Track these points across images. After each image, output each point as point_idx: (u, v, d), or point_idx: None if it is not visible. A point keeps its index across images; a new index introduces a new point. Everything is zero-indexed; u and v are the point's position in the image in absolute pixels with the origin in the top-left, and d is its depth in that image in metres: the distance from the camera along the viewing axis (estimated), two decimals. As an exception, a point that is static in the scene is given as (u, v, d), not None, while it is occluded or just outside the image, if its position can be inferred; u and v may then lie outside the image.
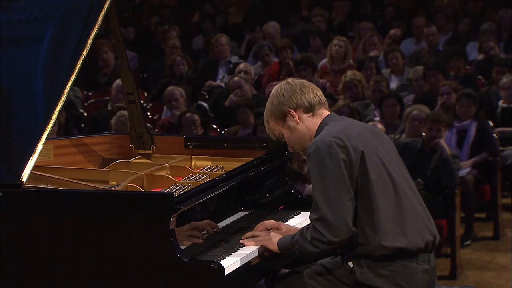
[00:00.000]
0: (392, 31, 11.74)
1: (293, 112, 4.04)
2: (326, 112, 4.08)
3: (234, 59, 11.21)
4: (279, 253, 4.05)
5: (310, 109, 4.05)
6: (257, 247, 4.03)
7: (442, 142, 7.58)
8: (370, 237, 3.85)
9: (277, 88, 4.11)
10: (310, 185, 6.78)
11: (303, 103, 4.04)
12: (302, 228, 3.94)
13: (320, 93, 4.11)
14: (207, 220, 4.09)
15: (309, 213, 3.99)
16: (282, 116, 4.06)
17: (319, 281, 4.01)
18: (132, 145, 4.97)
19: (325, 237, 3.81)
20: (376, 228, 3.84)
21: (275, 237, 4.04)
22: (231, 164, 4.60)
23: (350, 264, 3.93)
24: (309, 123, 4.05)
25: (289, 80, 4.14)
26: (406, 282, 3.87)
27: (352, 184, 3.83)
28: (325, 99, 4.13)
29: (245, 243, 4.06)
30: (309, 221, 3.94)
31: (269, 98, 4.12)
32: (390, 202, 3.87)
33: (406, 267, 3.87)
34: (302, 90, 4.06)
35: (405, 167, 4.08)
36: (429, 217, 3.99)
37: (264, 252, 4.05)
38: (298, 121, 4.04)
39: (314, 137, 4.00)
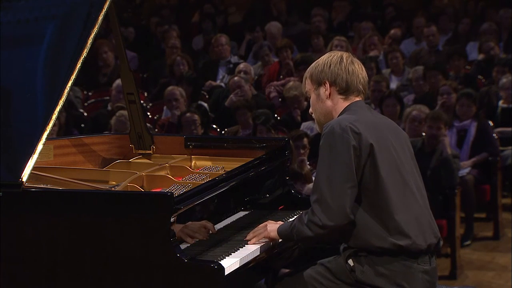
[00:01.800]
0: (392, 31, 11.75)
1: (327, 85, 4.02)
2: (356, 99, 4.05)
3: (234, 59, 11.21)
4: (281, 242, 4.07)
5: (345, 92, 4.02)
6: (257, 247, 4.03)
7: (446, 141, 7.57)
8: (373, 231, 3.84)
9: (330, 55, 4.07)
10: (310, 185, 6.79)
11: (341, 84, 4.01)
12: (302, 212, 3.95)
13: (364, 81, 4.05)
14: (204, 221, 4.09)
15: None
16: (318, 82, 4.04)
17: (320, 281, 4.01)
18: (132, 145, 4.97)
19: (320, 221, 3.81)
20: (381, 223, 3.84)
21: (275, 225, 4.06)
22: (231, 164, 4.60)
23: (350, 262, 3.93)
24: (337, 103, 4.03)
25: (346, 54, 4.08)
26: (406, 281, 3.86)
27: (357, 172, 3.83)
28: (365, 89, 4.07)
29: (249, 242, 4.06)
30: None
31: (318, 59, 4.09)
32: (398, 199, 3.87)
33: (407, 267, 3.87)
34: (348, 70, 4.01)
35: (418, 167, 4.07)
36: (433, 220, 3.99)
37: (263, 252, 4.05)
38: (329, 96, 4.03)
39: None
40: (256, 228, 4.12)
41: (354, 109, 3.99)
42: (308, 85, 4.11)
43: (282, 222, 4.20)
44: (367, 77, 4.10)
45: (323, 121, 4.05)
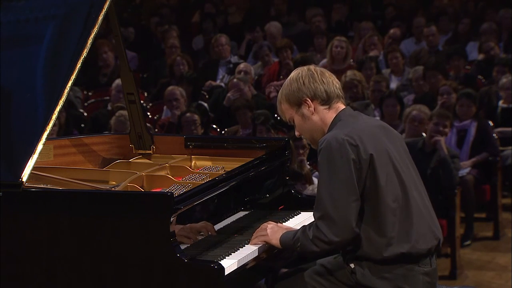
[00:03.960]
0: (392, 31, 11.74)
1: (309, 102, 3.96)
2: (342, 106, 4.00)
3: (234, 59, 11.21)
4: (281, 249, 4.04)
5: (327, 101, 3.97)
6: (256, 248, 4.03)
7: (442, 142, 7.57)
8: (374, 241, 3.83)
9: (298, 72, 4.00)
10: (310, 186, 6.79)
11: (322, 95, 3.96)
12: (305, 226, 3.91)
13: (339, 85, 4.02)
14: (203, 222, 4.09)
15: (309, 213, 3.98)
16: (297, 103, 3.98)
17: (319, 282, 4.00)
18: (132, 145, 4.97)
19: (326, 237, 3.78)
20: (381, 232, 3.82)
21: (278, 233, 4.02)
22: (231, 164, 4.60)
23: (351, 265, 3.92)
24: (323, 115, 3.97)
25: (311, 67, 4.03)
26: (407, 284, 3.85)
27: (359, 185, 3.79)
28: (343, 93, 4.04)
29: (250, 242, 4.05)
30: (309, 221, 3.92)
31: (287, 81, 4.02)
32: (398, 207, 3.83)
33: (408, 270, 3.85)
34: (323, 80, 3.97)
35: (414, 165, 4.04)
36: (434, 219, 3.96)
37: (263, 252, 4.05)
38: (314, 111, 3.97)
39: (327, 131, 3.93)
40: (259, 229, 4.09)
41: (344, 119, 3.94)
42: (287, 111, 4.03)
43: (281, 224, 4.19)
44: (339, 81, 4.04)
45: (316, 138, 3.98)
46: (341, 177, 3.78)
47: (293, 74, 4.03)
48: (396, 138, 4.03)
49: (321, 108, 3.98)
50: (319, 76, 3.99)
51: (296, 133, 4.13)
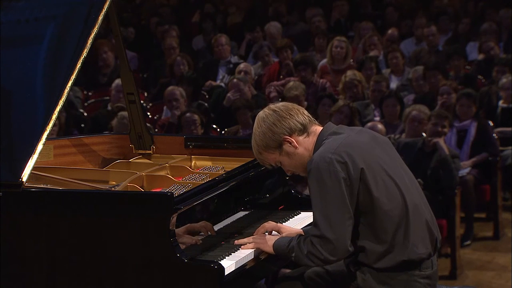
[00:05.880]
0: (389, 31, 11.73)
1: (289, 138, 3.90)
2: (318, 128, 3.96)
3: (234, 59, 11.21)
4: (276, 255, 4.01)
5: (304, 130, 3.92)
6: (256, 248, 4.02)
7: (441, 142, 7.57)
8: (374, 251, 3.81)
9: (263, 117, 3.94)
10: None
11: (297, 126, 3.91)
12: (300, 237, 3.87)
13: (306, 111, 3.98)
14: (203, 222, 4.08)
15: (309, 213, 3.96)
16: (278, 145, 3.92)
17: (320, 284, 4.00)
18: (132, 145, 4.97)
19: (322, 255, 3.76)
20: (380, 242, 3.80)
21: (271, 240, 3.98)
22: (231, 164, 4.60)
23: (352, 268, 3.91)
24: (306, 144, 3.92)
25: (271, 107, 3.98)
26: (408, 288, 3.86)
27: (352, 201, 3.75)
28: (309, 115, 3.99)
29: (242, 247, 4.02)
30: (309, 221, 3.92)
31: (256, 130, 3.95)
32: (397, 215, 3.80)
33: (409, 276, 3.84)
34: (290, 114, 3.92)
35: (406, 166, 4.01)
36: (432, 218, 3.94)
37: (263, 253, 4.03)
38: (297, 145, 3.91)
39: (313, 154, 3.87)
40: (254, 236, 4.07)
41: (328, 137, 3.89)
42: (270, 157, 3.97)
43: (281, 224, 4.18)
44: (303, 108, 4.00)
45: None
46: (333, 198, 3.74)
47: (259, 121, 3.95)
48: (384, 143, 3.99)
49: (301, 138, 3.93)
50: (285, 111, 3.93)
51: (289, 173, 4.08)
